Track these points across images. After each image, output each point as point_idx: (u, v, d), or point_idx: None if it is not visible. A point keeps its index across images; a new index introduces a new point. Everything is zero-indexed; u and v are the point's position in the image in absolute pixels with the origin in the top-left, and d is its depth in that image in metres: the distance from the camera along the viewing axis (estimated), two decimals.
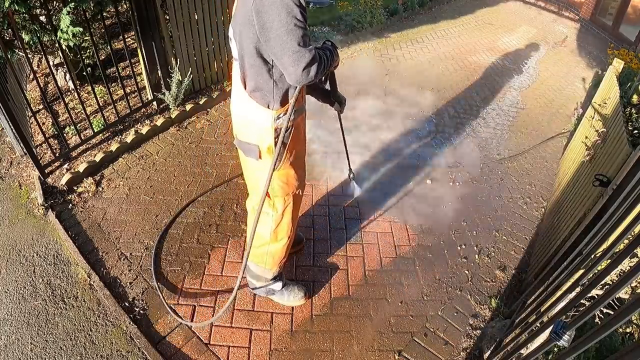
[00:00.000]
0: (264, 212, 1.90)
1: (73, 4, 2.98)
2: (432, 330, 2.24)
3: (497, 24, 7.19)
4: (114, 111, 3.47)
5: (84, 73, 3.57)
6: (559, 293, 1.64)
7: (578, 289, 1.48)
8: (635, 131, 2.62)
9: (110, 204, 2.85)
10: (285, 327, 2.19)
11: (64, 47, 3.16)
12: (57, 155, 3.11)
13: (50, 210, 2.74)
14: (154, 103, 3.77)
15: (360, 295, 2.38)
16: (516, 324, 2.00)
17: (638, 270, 1.03)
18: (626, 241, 1.31)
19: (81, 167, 3.01)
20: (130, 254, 2.52)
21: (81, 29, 2.98)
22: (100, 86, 3.94)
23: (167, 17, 3.57)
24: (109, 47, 3.27)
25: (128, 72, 4.37)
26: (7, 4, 2.62)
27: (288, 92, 1.60)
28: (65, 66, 3.70)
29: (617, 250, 1.31)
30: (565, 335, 1.32)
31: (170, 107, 3.75)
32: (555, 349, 1.71)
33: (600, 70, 5.34)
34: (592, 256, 1.55)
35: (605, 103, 3.08)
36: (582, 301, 1.40)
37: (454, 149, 3.75)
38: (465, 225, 2.93)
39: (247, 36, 1.45)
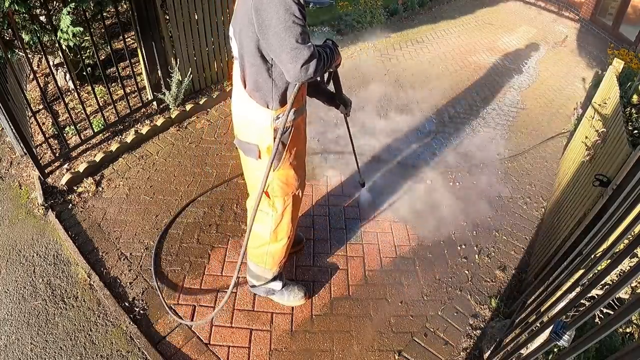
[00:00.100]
0: (264, 212, 1.89)
1: (73, 4, 2.98)
2: (432, 330, 2.24)
3: (497, 24, 7.19)
4: (114, 111, 3.48)
5: (84, 73, 3.57)
6: (559, 293, 1.64)
7: (578, 289, 1.48)
8: (635, 131, 2.62)
9: (110, 204, 2.85)
10: (285, 327, 2.19)
11: (64, 47, 3.16)
12: (57, 155, 3.11)
13: (50, 210, 2.74)
14: (154, 103, 3.77)
15: (360, 295, 2.38)
16: (516, 324, 2.00)
17: (638, 270, 1.03)
18: (626, 241, 1.31)
19: (81, 167, 3.01)
20: (130, 254, 2.52)
21: (81, 29, 2.98)
22: (100, 86, 3.94)
23: (167, 17, 3.57)
24: (109, 47, 3.27)
25: (128, 72, 4.37)
26: (7, 4, 2.62)
27: (287, 91, 1.60)
28: (65, 66, 3.70)
29: (617, 250, 1.31)
30: (565, 335, 1.32)
31: (170, 107, 3.76)
32: (555, 349, 1.71)
33: (600, 70, 5.34)
34: (592, 256, 1.55)
35: (605, 103, 3.08)
36: (582, 301, 1.40)
37: (454, 148, 3.75)
38: (465, 225, 2.93)
39: (247, 35, 1.45)
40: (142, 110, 3.73)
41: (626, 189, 1.69)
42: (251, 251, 2.08)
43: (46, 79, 4.26)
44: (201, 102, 3.88)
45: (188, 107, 3.78)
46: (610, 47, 5.26)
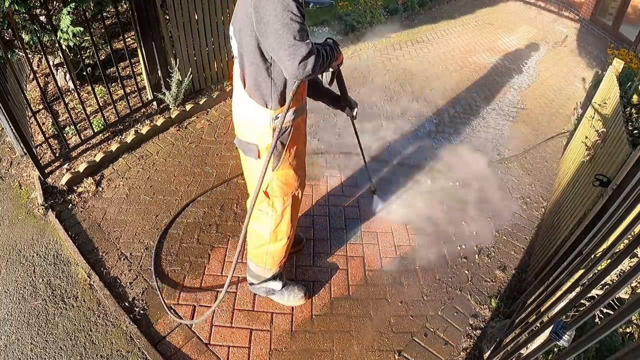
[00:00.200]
0: (264, 212, 1.89)
1: (73, 4, 2.98)
2: (432, 330, 2.24)
3: (497, 24, 7.19)
4: (114, 111, 3.48)
5: (84, 73, 3.57)
6: (559, 293, 1.64)
7: (578, 289, 1.48)
8: (635, 131, 2.62)
9: (110, 204, 2.85)
10: (285, 327, 2.19)
11: (64, 47, 3.16)
12: (57, 155, 3.11)
13: (50, 210, 2.74)
14: (154, 103, 3.77)
15: (360, 295, 2.38)
16: (516, 324, 2.00)
17: (638, 270, 1.03)
18: (626, 241, 1.31)
19: (81, 167, 3.01)
20: (130, 254, 2.52)
21: (81, 29, 2.98)
22: (100, 86, 3.94)
23: (167, 17, 3.57)
24: (109, 47, 3.27)
25: (128, 72, 4.37)
26: (7, 4, 2.62)
27: (286, 91, 1.60)
28: (65, 66, 3.70)
29: (617, 250, 1.31)
30: (565, 335, 1.32)
31: (170, 107, 3.76)
32: (555, 349, 1.71)
33: (600, 70, 5.34)
34: (592, 256, 1.55)
35: (605, 103, 3.08)
36: (582, 301, 1.40)
37: (454, 148, 3.75)
38: (465, 225, 2.93)
39: (247, 33, 1.46)
40: (142, 110, 3.73)
41: (626, 189, 1.68)
42: (251, 251, 2.09)
43: (46, 79, 4.26)
44: (201, 102, 3.88)
45: (188, 107, 3.78)
46: (610, 47, 5.26)
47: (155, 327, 2.15)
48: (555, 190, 3.25)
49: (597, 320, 1.72)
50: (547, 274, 2.13)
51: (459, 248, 2.75)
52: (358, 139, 2.40)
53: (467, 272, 2.59)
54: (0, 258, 2.47)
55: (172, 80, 3.64)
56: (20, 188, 3.00)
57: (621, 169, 1.92)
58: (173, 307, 2.24)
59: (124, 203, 2.86)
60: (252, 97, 1.61)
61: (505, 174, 3.50)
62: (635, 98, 3.42)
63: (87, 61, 4.04)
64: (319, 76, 1.86)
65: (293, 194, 1.88)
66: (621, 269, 1.54)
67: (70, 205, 2.81)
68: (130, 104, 3.61)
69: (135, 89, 3.69)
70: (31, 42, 3.19)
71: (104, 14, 3.72)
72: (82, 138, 3.27)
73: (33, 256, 2.49)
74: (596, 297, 1.23)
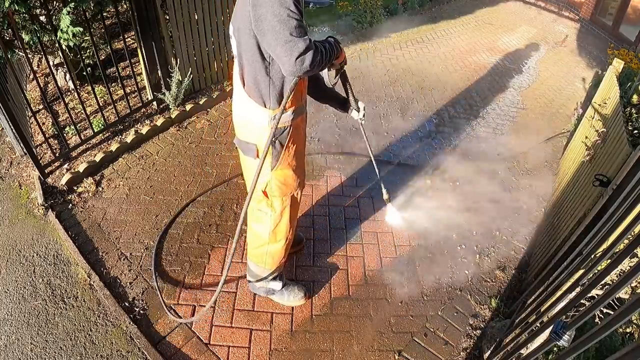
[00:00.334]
0: (263, 212, 1.89)
1: (73, 4, 2.98)
2: (432, 330, 2.24)
3: (497, 24, 7.19)
4: (114, 111, 3.48)
5: (84, 73, 3.57)
6: (559, 293, 1.64)
7: (578, 289, 1.47)
8: (635, 131, 2.62)
9: (110, 204, 2.85)
10: (285, 327, 2.19)
11: (64, 47, 3.16)
12: (57, 155, 3.11)
13: (50, 210, 2.74)
14: (154, 103, 3.77)
15: (360, 295, 2.38)
16: (516, 324, 2.00)
17: (638, 270, 1.03)
18: (626, 241, 1.31)
19: (81, 167, 3.01)
20: (130, 254, 2.52)
21: (81, 29, 2.98)
22: (100, 86, 3.94)
23: (167, 17, 3.57)
24: (109, 47, 3.27)
25: (128, 72, 4.37)
26: (7, 4, 2.62)
27: (284, 90, 1.60)
28: (65, 66, 3.70)
29: (617, 250, 1.31)
30: (565, 335, 1.31)
31: (170, 107, 3.76)
32: (555, 349, 1.71)
33: (600, 70, 5.34)
34: (592, 256, 1.55)
35: (605, 103, 3.08)
36: (582, 301, 1.40)
37: (454, 148, 3.75)
38: (465, 225, 2.92)
39: (245, 32, 1.46)
40: (142, 110, 3.73)
41: (626, 189, 1.68)
42: (251, 251, 2.09)
43: (46, 79, 4.26)
44: (201, 102, 3.88)
45: (188, 107, 3.78)
46: (610, 47, 5.26)
47: (155, 327, 2.15)
48: (555, 190, 3.25)
49: (597, 320, 1.72)
50: (547, 274, 2.13)
51: (459, 248, 2.75)
52: (369, 146, 2.30)
53: (467, 272, 2.59)
54: (0, 258, 2.47)
55: (172, 80, 3.64)
56: (20, 188, 3.00)
57: (621, 169, 1.92)
58: (173, 307, 2.24)
59: (124, 203, 2.86)
60: (251, 96, 1.61)
61: (505, 174, 3.50)
62: (635, 98, 3.42)
63: (87, 61, 4.04)
64: (323, 76, 1.85)
65: (292, 194, 1.88)
66: (621, 269, 1.54)
67: (70, 205, 2.81)
68: (130, 104, 3.61)
69: (135, 89, 3.69)
70: (31, 42, 3.19)
71: (104, 14, 3.72)
72: (82, 138, 3.27)
73: (33, 256, 2.49)
74: (596, 297, 1.23)
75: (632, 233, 1.29)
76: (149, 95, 3.85)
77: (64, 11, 2.93)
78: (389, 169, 3.37)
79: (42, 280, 2.35)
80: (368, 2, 5.93)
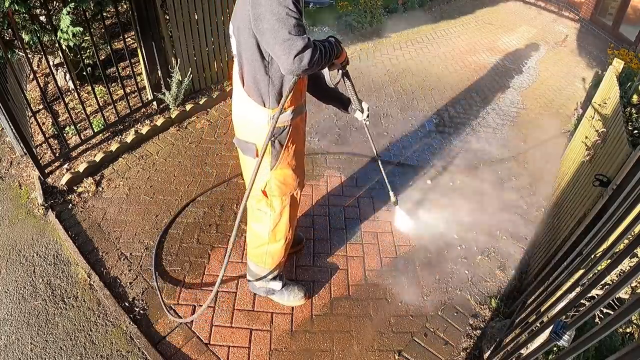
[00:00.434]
0: (262, 211, 1.89)
1: (73, 4, 2.98)
2: (432, 330, 2.24)
3: (497, 24, 7.19)
4: (114, 111, 3.47)
5: (84, 73, 3.57)
6: (559, 293, 1.64)
7: (578, 289, 1.47)
8: (635, 131, 2.62)
9: (110, 204, 2.85)
10: (285, 327, 2.19)
11: (64, 47, 3.16)
12: (57, 155, 3.11)
13: (50, 210, 2.74)
14: (154, 103, 3.77)
15: (360, 295, 2.38)
16: (516, 324, 2.00)
17: (638, 270, 1.03)
18: (626, 241, 1.31)
19: (81, 167, 3.01)
20: (130, 254, 2.52)
21: (81, 29, 2.98)
22: (100, 86, 3.94)
23: (167, 17, 3.57)
24: (109, 47, 3.27)
25: (128, 72, 4.37)
26: (7, 4, 2.62)
27: (283, 89, 1.60)
28: (65, 66, 3.70)
29: (617, 250, 1.31)
30: (565, 335, 1.31)
31: (170, 107, 3.76)
32: (555, 349, 1.71)
33: (600, 70, 5.34)
34: (592, 256, 1.55)
35: (605, 103, 3.08)
36: (582, 301, 1.40)
37: (454, 148, 3.75)
38: (465, 225, 2.92)
39: (245, 31, 1.46)
40: (142, 110, 3.73)
41: (626, 189, 1.68)
42: (251, 251, 2.09)
43: (46, 79, 4.26)
44: (201, 102, 3.88)
45: (188, 107, 3.78)
46: (610, 47, 5.26)
47: (155, 327, 2.15)
48: (555, 190, 3.25)
49: (597, 320, 1.72)
50: (547, 274, 2.13)
51: (459, 248, 2.75)
52: (374, 147, 2.27)
53: (467, 272, 2.59)
54: (0, 258, 2.47)
55: (172, 80, 3.64)
56: (20, 188, 3.00)
57: (621, 169, 1.92)
58: (173, 307, 2.24)
59: (124, 203, 2.86)
60: (250, 95, 1.61)
61: (506, 174, 3.50)
62: (635, 98, 3.42)
63: (87, 61, 4.04)
64: (325, 76, 1.85)
65: (292, 193, 1.88)
66: (621, 269, 1.54)
67: (70, 205, 2.81)
68: (130, 104, 3.61)
69: (135, 89, 3.69)
70: (31, 42, 3.19)
71: (104, 14, 3.72)
72: (82, 138, 3.27)
73: (33, 256, 2.49)
74: (596, 297, 1.23)
75: (632, 233, 1.29)
76: (149, 95, 3.85)
77: (64, 11, 2.93)
78: (389, 169, 3.37)
79: (42, 280, 2.35)
80: (368, 2, 5.93)
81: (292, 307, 2.28)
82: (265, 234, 1.95)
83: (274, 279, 2.16)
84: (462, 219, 2.97)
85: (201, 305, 2.26)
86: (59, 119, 3.60)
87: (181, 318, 2.19)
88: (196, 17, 3.71)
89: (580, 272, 1.55)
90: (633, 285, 1.64)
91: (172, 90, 3.66)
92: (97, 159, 3.12)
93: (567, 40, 6.84)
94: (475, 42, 6.25)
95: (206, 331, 2.14)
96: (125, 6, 4.04)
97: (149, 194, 2.95)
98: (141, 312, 2.21)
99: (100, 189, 2.96)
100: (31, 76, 4.17)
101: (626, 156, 2.00)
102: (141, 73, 3.94)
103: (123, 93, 3.52)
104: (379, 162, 2.32)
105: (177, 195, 2.95)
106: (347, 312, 2.29)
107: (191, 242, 2.62)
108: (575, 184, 2.72)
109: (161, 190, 2.99)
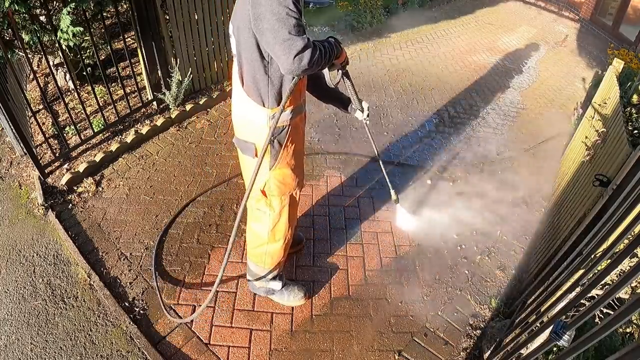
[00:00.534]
0: (262, 211, 1.89)
1: (73, 4, 2.98)
2: (432, 330, 2.24)
3: (497, 24, 7.19)
4: (114, 111, 3.48)
5: (84, 73, 3.57)
6: (559, 293, 1.64)
7: (578, 289, 1.47)
8: (635, 131, 2.62)
9: (110, 204, 2.85)
10: (285, 327, 2.19)
11: (64, 47, 3.16)
12: (57, 155, 3.11)
13: (50, 210, 2.74)
14: (154, 103, 3.78)
15: (360, 295, 2.38)
16: (516, 324, 2.00)
17: (638, 270, 1.03)
18: (626, 241, 1.31)
19: (81, 167, 3.01)
20: (130, 254, 2.52)
21: (81, 29, 2.98)
22: (100, 86, 3.95)
23: (167, 17, 3.57)
24: (109, 47, 3.27)
25: (128, 72, 4.37)
26: (7, 4, 2.62)
27: (282, 89, 1.60)
28: (65, 66, 3.70)
29: (617, 250, 1.31)
30: (565, 335, 1.31)
31: (170, 107, 3.76)
32: (555, 349, 1.71)
33: (600, 70, 5.34)
34: (592, 256, 1.55)
35: (605, 103, 3.08)
36: (582, 301, 1.39)
37: (454, 148, 3.75)
38: (465, 225, 2.92)
39: (245, 31, 1.46)
40: (142, 110, 3.73)
41: (626, 189, 1.68)
42: (250, 251, 2.09)
43: (46, 79, 4.26)
44: (201, 102, 3.88)
45: (188, 107, 3.78)
46: (610, 47, 5.26)
47: (155, 327, 2.15)
48: (555, 190, 3.25)
49: (597, 320, 1.72)
50: (547, 274, 2.13)
51: (459, 248, 2.75)
52: (375, 147, 2.28)
53: (467, 272, 2.59)
54: (0, 258, 2.47)
55: (172, 80, 3.64)
56: (20, 188, 3.00)
57: (621, 169, 1.92)
58: (173, 307, 2.24)
59: (124, 203, 2.86)
60: (249, 95, 1.61)
61: (505, 174, 3.50)
62: (635, 98, 3.42)
63: (87, 61, 4.04)
64: (325, 76, 1.85)
65: (291, 193, 1.88)
66: (621, 269, 1.54)
67: (70, 205, 2.81)
68: (130, 104, 3.61)
69: (135, 89, 3.69)
70: (31, 42, 3.19)
71: (104, 14, 3.72)
72: (82, 138, 3.27)
73: (33, 256, 2.49)
74: (596, 297, 1.23)
75: (632, 233, 1.29)
76: (149, 95, 3.85)
77: (64, 11, 2.93)
78: (389, 169, 3.37)
79: (42, 280, 2.35)
80: (368, 2, 5.94)
81: (292, 307, 2.28)
82: (264, 233, 1.95)
83: (274, 278, 2.16)
84: (462, 218, 2.97)
85: (201, 305, 2.26)
86: (59, 119, 3.60)
87: (181, 318, 2.19)
88: (196, 17, 3.71)
89: (580, 272, 1.55)
90: (633, 285, 1.64)
91: (172, 90, 3.66)
92: (97, 159, 3.12)
93: (567, 40, 6.84)
94: (475, 42, 6.25)
95: (206, 331, 2.14)
96: (125, 6, 4.04)
97: (149, 194, 2.95)
98: (141, 312, 2.21)
99: (100, 189, 2.96)
100: (31, 76, 4.17)
101: (626, 156, 2.00)
102: (141, 73, 3.94)
103: (123, 93, 3.52)
104: (380, 161, 2.32)
105: (177, 195, 2.95)
106: (347, 312, 2.29)
107: (191, 242, 2.62)
108: (575, 184, 2.72)
109: (161, 190, 2.99)
